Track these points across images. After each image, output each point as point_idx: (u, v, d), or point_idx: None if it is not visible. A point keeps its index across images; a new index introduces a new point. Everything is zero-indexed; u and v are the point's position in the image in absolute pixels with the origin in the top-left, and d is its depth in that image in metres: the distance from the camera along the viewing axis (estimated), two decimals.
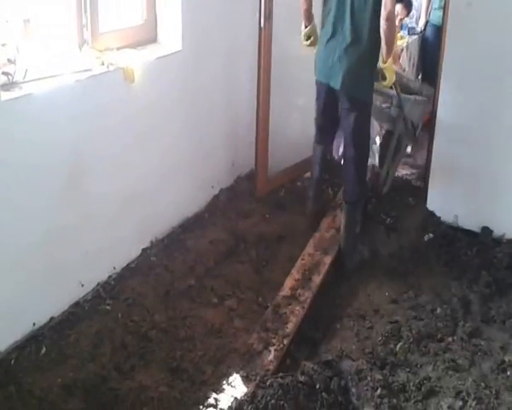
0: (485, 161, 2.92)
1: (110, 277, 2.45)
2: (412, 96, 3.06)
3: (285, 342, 2.22)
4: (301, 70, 3.10)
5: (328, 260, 2.70)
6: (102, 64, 2.31)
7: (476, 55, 2.80)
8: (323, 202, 3.15)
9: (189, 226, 2.91)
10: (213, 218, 3.02)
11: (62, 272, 2.22)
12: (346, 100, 2.68)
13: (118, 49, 2.47)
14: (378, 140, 3.27)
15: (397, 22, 3.21)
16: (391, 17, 2.48)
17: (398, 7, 3.69)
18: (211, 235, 2.87)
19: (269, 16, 2.83)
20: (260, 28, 2.85)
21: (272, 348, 2.18)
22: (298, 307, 2.39)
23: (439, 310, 2.55)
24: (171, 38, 2.69)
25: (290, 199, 3.25)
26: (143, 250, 2.66)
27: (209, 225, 2.95)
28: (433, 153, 3.04)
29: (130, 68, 2.38)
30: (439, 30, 3.53)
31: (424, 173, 3.33)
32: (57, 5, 2.32)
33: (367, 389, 2.14)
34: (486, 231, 2.95)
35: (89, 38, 2.35)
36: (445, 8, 2.96)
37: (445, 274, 2.78)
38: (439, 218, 3.07)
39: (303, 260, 2.69)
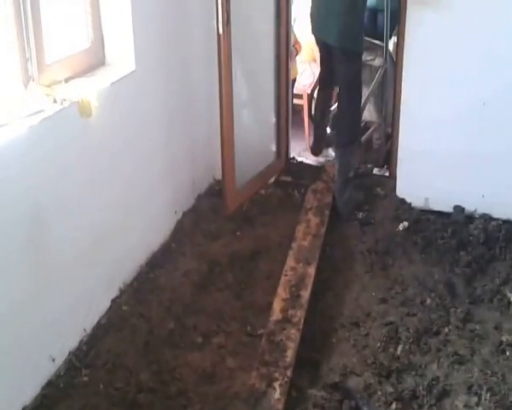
0: (448, 141, 2.88)
1: (81, 341, 2.16)
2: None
3: (288, 373, 2.05)
4: (260, 74, 3.07)
5: (312, 270, 2.55)
6: (55, 101, 1.99)
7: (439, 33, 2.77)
8: (323, 143, 3.57)
9: (158, 262, 2.66)
10: (181, 246, 2.78)
11: (27, 351, 1.91)
12: (339, 53, 2.95)
13: (66, 80, 2.15)
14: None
15: None
16: None
17: None
18: (182, 266, 2.64)
19: (227, 21, 2.56)
20: (219, 34, 2.56)
21: (277, 384, 2.00)
22: (293, 330, 2.23)
23: (428, 301, 2.50)
24: (121, 58, 2.39)
25: (257, 210, 3.07)
26: (113, 301, 2.38)
27: (178, 255, 2.72)
28: (399, 139, 2.98)
29: (87, 101, 2.06)
30: (372, 13, 3.50)
31: (387, 160, 3.29)
32: None
33: (379, 405, 2.04)
34: (458, 209, 2.93)
35: (35, 73, 2.01)
36: None
37: (425, 261, 2.73)
38: (410, 204, 3.02)
39: (286, 275, 2.53)
